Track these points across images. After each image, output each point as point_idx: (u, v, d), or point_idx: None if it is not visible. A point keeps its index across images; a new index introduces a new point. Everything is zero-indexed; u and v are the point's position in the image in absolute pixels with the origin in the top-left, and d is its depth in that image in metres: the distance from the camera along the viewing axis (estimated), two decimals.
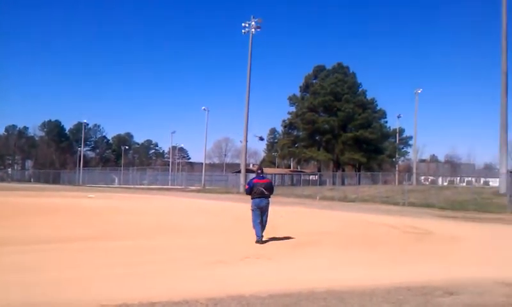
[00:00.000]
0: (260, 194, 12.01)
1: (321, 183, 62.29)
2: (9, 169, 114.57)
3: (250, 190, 12.16)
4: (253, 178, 12.77)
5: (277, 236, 13.33)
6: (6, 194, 36.54)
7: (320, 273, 8.42)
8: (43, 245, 10.80)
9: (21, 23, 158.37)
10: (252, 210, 12.09)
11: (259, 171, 12.77)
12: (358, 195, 40.62)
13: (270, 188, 12.34)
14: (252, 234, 12.09)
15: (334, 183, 55.73)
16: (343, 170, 71.84)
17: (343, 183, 61.34)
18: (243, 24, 55.09)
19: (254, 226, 12.04)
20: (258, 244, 11.63)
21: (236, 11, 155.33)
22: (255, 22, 54.39)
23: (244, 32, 54.97)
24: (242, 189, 50.82)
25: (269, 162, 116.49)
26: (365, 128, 67.17)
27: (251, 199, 12.14)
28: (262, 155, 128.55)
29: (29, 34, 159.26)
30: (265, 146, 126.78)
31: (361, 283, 7.32)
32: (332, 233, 15.18)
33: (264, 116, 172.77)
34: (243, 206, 24.90)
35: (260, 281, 7.45)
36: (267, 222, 12.33)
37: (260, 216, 12.01)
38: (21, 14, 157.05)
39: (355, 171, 71.80)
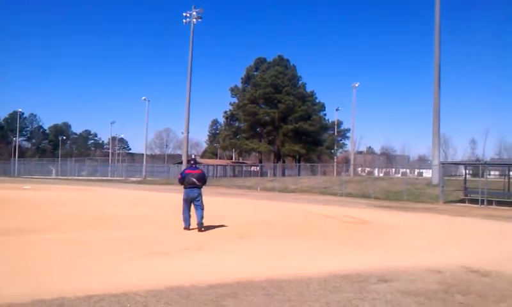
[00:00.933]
0: (192, 184, 12.46)
1: (262, 174, 62.87)
2: None
3: (182, 180, 12.60)
4: (185, 169, 13.20)
5: (218, 226, 13.36)
6: None
7: (259, 262, 8.51)
8: None
9: None
10: (183, 200, 12.55)
11: (192, 162, 13.50)
12: (297, 186, 41.27)
13: (202, 179, 12.75)
14: (192, 225, 12.13)
15: (275, 175, 56.33)
16: (283, 161, 72.64)
17: (283, 175, 62.12)
18: (184, 14, 54.50)
19: (183, 213, 12.58)
20: (200, 234, 11.83)
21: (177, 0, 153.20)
22: (196, 12, 53.91)
23: (186, 22, 54.39)
24: None
25: (211, 153, 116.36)
26: (304, 120, 68.11)
27: (184, 189, 12.58)
28: (204, 146, 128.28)
29: None
30: (207, 137, 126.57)
31: (299, 272, 7.46)
32: (272, 223, 15.35)
33: (206, 107, 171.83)
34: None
35: (200, 272, 7.45)
36: (204, 210, 12.68)
37: (190, 205, 12.54)
38: None
39: (295, 163, 72.89)
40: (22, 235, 11.21)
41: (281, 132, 68.52)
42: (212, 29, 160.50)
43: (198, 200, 12.59)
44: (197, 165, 13.27)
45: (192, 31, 54.18)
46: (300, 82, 72.92)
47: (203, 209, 12.62)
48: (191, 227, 12.55)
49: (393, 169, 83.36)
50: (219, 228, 13.25)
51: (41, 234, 11.47)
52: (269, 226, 14.30)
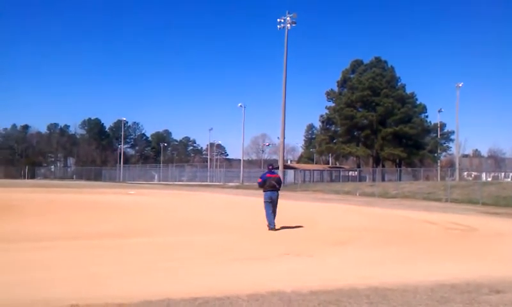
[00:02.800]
0: (272, 187, 13.61)
1: (361, 179, 61.78)
2: (52, 167, 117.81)
3: (263, 184, 13.66)
4: (266, 173, 14.08)
5: (317, 232, 13.34)
6: (49, 190, 37.72)
7: (361, 270, 8.35)
8: (73, 241, 11.08)
9: (61, 24, 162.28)
10: (265, 202, 13.57)
11: (270, 167, 14.47)
12: (398, 191, 40.08)
13: (280, 183, 14.03)
14: (293, 230, 12.24)
15: (374, 179, 55.17)
16: (383, 166, 70.92)
17: (383, 179, 60.62)
18: (278, 20, 55.09)
19: (267, 216, 13.52)
20: (298, 240, 11.89)
21: (271, 6, 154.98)
22: (290, 17, 54.31)
23: (280, 28, 54.98)
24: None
25: (307, 158, 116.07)
26: (404, 123, 66.08)
27: (264, 191, 13.67)
28: (300, 150, 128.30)
29: (69, 35, 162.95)
30: (302, 142, 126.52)
31: (403, 280, 7.22)
32: (372, 229, 15.05)
33: (301, 111, 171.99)
34: (284, 203, 24.98)
35: (300, 277, 7.44)
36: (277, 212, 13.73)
37: (272, 207, 13.50)
38: (59, 14, 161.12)
39: (395, 167, 70.79)
40: (129, 237, 11.92)
41: (379, 135, 66.95)
42: (307, 32, 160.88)
43: (277, 202, 13.66)
44: (274, 170, 14.46)
45: (286, 36, 54.66)
46: (399, 84, 70.82)
47: (276, 210, 13.68)
48: (276, 227, 13.38)
49: (503, 173, 78.28)
50: (317, 234, 13.23)
51: (144, 237, 12.11)
52: (368, 232, 14.03)
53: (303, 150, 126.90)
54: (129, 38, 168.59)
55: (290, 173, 67.15)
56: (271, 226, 13.35)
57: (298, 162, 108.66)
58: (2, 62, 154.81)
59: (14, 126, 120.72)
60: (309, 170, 76.29)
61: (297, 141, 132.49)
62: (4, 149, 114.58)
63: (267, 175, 13.82)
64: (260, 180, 13.93)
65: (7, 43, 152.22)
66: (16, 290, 6.25)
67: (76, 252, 9.44)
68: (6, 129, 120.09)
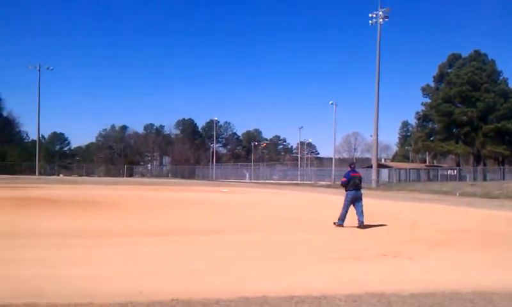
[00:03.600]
0: (356, 186, 13.74)
1: (460, 178, 59.09)
2: (149, 165, 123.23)
3: (347, 183, 13.74)
4: (349, 172, 14.07)
5: (415, 233, 13.02)
6: (146, 188, 39.58)
7: (463, 273, 8.05)
8: (169, 236, 11.57)
9: (156, 24, 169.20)
10: (347, 200, 13.65)
11: (352, 166, 14.64)
12: (502, 191, 37.90)
13: (361, 181, 14.23)
14: (389, 231, 12.02)
15: (475, 179, 52.68)
16: (484, 164, 67.43)
17: (485, 179, 57.69)
18: (370, 15, 53.95)
19: (342, 213, 13.64)
20: (395, 241, 11.63)
21: (362, 1, 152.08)
22: (383, 11, 52.97)
23: (372, 23, 53.84)
24: (374, 184, 49.95)
25: (401, 156, 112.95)
26: (508, 119, 62.42)
27: (347, 191, 13.75)
28: (394, 149, 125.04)
29: (161, 37, 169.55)
30: (397, 140, 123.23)
31: (509, 285, 6.90)
32: (474, 231, 14.36)
33: (395, 108, 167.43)
34: (377, 203, 24.54)
35: (399, 279, 7.31)
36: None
37: (357, 205, 13.61)
38: (150, 14, 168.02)
39: (498, 165, 67.07)
40: (224, 234, 12.24)
41: (480, 132, 63.69)
42: (400, 26, 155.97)
43: (361, 200, 13.76)
44: (356, 169, 14.62)
45: (379, 31, 53.41)
46: (501, 78, 66.88)
47: (363, 207, 13.71)
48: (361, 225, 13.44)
49: None
50: (416, 235, 12.87)
51: (239, 234, 12.41)
52: (470, 234, 13.40)
53: (397, 148, 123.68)
54: (219, 38, 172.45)
55: (385, 171, 65.67)
56: (342, 223, 13.60)
57: (392, 160, 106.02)
58: (104, 67, 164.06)
59: (113, 127, 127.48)
60: (404, 169, 74.08)
61: (391, 139, 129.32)
62: (104, 149, 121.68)
63: (352, 174, 13.86)
64: (344, 179, 14.01)
65: (106, 46, 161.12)
66: (119, 282, 6.66)
67: (175, 248, 9.86)
68: (105, 130, 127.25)
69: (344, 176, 14.08)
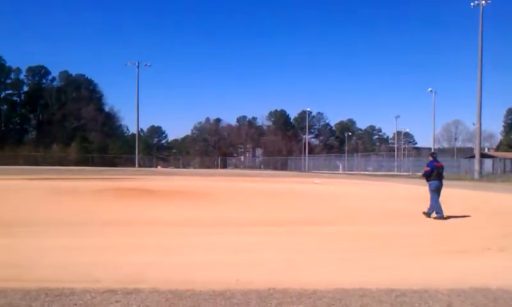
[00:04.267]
0: (439, 176, 13.74)
1: None
2: (242, 157, 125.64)
3: (431, 173, 13.72)
4: (432, 162, 13.93)
5: None
6: (238, 179, 40.34)
7: None
8: (263, 227, 11.65)
9: (251, 20, 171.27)
10: (432, 191, 13.67)
11: (434, 155, 14.53)
12: None
13: (443, 170, 14.11)
14: (493, 225, 11.42)
15: None
16: None
17: None
18: None
19: (434, 205, 13.58)
20: (501, 235, 11.02)
21: None
22: None
23: (473, 5, 51.14)
24: (476, 176, 47.62)
25: (506, 145, 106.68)
26: None
27: (429, 181, 13.78)
28: (499, 138, 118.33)
29: (254, 31, 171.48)
30: (502, 128, 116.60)
31: None
32: None
33: (500, 95, 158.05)
34: (480, 195, 23.40)
35: (505, 274, 6.95)
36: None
37: (438, 195, 13.64)
38: (244, 10, 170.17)
39: None
40: (321, 225, 12.21)
41: None
42: (504, 7, 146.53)
43: (441, 191, 13.81)
44: (438, 159, 14.42)
45: (481, 14, 50.63)
46: None
47: None
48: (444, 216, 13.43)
49: None
50: None
51: (336, 225, 12.29)
52: None
53: (502, 137, 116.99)
54: (314, 31, 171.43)
55: (488, 162, 62.37)
56: (441, 214, 13.40)
57: (496, 150, 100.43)
58: (198, 61, 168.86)
59: (207, 119, 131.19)
60: (510, 159, 69.90)
61: (495, 127, 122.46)
62: (199, 141, 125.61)
63: (436, 164, 13.83)
64: (427, 169, 13.86)
65: (202, 41, 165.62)
66: (216, 270, 6.86)
67: (270, 238, 9.97)
68: (200, 123, 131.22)
69: (428, 166, 13.94)
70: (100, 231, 10.37)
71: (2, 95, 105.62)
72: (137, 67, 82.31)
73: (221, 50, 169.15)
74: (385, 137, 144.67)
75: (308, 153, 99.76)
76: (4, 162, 72.65)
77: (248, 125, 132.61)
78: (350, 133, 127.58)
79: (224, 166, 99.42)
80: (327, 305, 5.32)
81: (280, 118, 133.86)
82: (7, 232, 10.05)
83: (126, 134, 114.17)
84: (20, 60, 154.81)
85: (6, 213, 13.91)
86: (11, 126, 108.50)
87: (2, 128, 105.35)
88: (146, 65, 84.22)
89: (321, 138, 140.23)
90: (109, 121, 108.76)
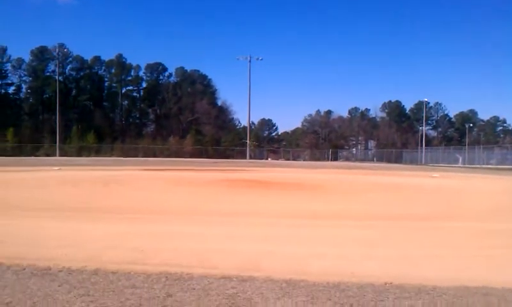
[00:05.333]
0: None
1: None
2: (354, 149, 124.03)
3: None
4: None
5: None
6: (350, 172, 39.85)
7: None
8: (377, 221, 11.36)
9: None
10: None
11: None
12: None
13: None
14: None
15: None
16: None
17: None
18: None
19: None
20: None
21: None
22: None
23: None
24: None
25: None
26: None
27: None
28: None
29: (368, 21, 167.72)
30: None
31: None
32: None
33: None
34: None
35: None
36: None
37: None
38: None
39: None
40: (439, 220, 11.71)
41: None
42: None
43: None
44: None
45: None
46: None
47: None
48: None
49: None
50: None
51: (457, 221, 11.71)
52: None
53: None
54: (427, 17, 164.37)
55: None
56: None
57: None
58: (307, 54, 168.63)
59: (318, 112, 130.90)
60: None
61: None
62: (309, 133, 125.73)
63: None
64: None
65: (311, 34, 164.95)
66: (330, 262, 6.85)
67: (385, 232, 9.76)
68: (310, 115, 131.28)
69: None
70: (217, 221, 10.79)
71: (123, 91, 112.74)
72: (249, 61, 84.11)
73: (331, 41, 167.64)
74: (510, 128, 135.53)
75: (425, 146, 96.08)
76: (125, 154, 77.86)
77: (360, 116, 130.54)
78: (471, 125, 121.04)
79: (335, 159, 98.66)
80: (447, 302, 5.14)
81: (395, 109, 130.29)
82: (131, 218, 10.88)
83: (238, 127, 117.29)
84: (139, 58, 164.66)
85: (130, 201, 14.97)
86: (131, 120, 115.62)
87: (123, 122, 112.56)
88: (257, 59, 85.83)
89: (439, 130, 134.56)
90: (222, 114, 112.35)
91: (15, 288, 5.26)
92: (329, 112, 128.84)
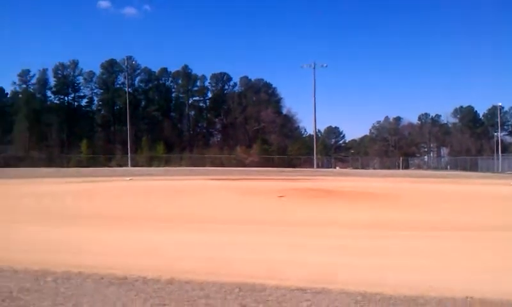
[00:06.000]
0: None
1: None
2: (425, 157, 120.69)
3: None
4: None
5: None
6: (422, 181, 38.78)
7: None
8: (452, 232, 11.06)
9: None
10: None
11: None
12: None
13: None
14: None
15: None
16: None
17: None
18: None
19: None
20: None
21: None
22: None
23: None
24: None
25: None
26: None
27: None
28: None
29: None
30: None
31: None
32: None
33: None
34: None
35: None
36: None
37: None
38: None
39: None
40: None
41: None
42: None
43: None
44: None
45: None
46: None
47: None
48: None
49: None
50: None
51: None
52: None
53: None
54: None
55: None
56: None
57: None
58: (374, 59, 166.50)
59: (387, 118, 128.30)
60: None
61: None
62: (378, 141, 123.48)
63: None
64: None
65: (377, 42, 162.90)
66: (407, 274, 6.69)
67: (463, 243, 9.48)
68: (379, 122, 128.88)
69: None
70: (287, 231, 10.81)
71: (190, 101, 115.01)
72: (314, 68, 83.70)
73: (398, 44, 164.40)
74: None
75: (502, 152, 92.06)
76: (193, 163, 79.32)
77: (430, 122, 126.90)
78: None
79: (406, 167, 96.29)
80: None
81: (467, 115, 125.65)
82: (202, 228, 11.13)
83: (304, 135, 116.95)
84: (205, 68, 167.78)
85: (199, 210, 15.24)
86: (198, 130, 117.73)
87: (191, 132, 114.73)
88: (322, 66, 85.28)
89: None
90: (287, 123, 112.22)
91: (94, 296, 5.44)
92: (398, 119, 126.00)
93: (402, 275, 6.60)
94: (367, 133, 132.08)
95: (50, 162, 74.93)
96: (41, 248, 8.69)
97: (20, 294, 5.48)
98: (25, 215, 13.71)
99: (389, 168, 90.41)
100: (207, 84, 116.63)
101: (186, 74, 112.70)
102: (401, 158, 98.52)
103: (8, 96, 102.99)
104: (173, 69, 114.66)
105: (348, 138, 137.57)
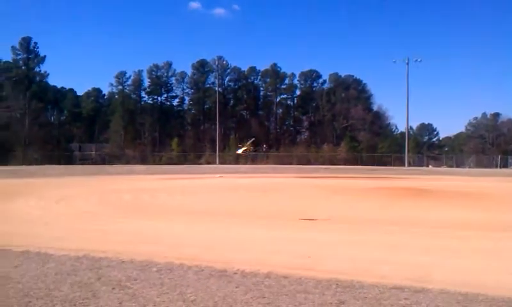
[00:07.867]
0: None
1: None
2: None
3: None
4: None
5: None
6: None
7: None
8: None
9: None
10: None
11: None
12: None
13: None
14: None
15: None
16: None
17: None
18: None
19: None
20: None
21: None
22: None
23: None
24: None
25: None
26: None
27: None
28: None
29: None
30: None
31: None
32: None
33: None
34: None
35: None
36: None
37: None
38: None
39: None
40: None
41: None
42: None
43: None
44: None
45: None
46: None
47: None
48: None
49: None
50: None
51: None
52: None
53: None
54: None
55: None
56: None
57: None
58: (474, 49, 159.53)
59: (484, 115, 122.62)
60: None
61: None
62: (474, 138, 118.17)
63: None
64: None
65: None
66: (505, 276, 6.55)
67: None
68: (476, 118, 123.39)
69: None
70: (378, 229, 10.80)
71: (277, 100, 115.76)
72: (407, 63, 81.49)
73: (495, 35, 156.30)
74: None
75: None
76: (280, 161, 79.88)
77: None
78: None
79: (505, 166, 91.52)
80: None
81: None
82: (286, 224, 11.31)
83: (395, 133, 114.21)
84: (293, 66, 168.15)
85: (285, 207, 15.50)
86: (285, 127, 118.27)
87: (278, 130, 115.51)
88: (416, 61, 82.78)
89: None
90: (378, 120, 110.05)
91: (197, 287, 5.76)
92: (496, 115, 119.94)
93: (502, 277, 6.49)
94: (463, 130, 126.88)
95: (142, 160, 78.32)
96: (145, 240, 9.28)
97: (128, 283, 5.91)
98: (130, 211, 14.68)
99: (486, 167, 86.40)
100: (295, 81, 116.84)
101: (275, 72, 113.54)
102: (500, 156, 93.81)
103: (105, 97, 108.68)
104: (261, 68, 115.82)
105: (442, 135, 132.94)
